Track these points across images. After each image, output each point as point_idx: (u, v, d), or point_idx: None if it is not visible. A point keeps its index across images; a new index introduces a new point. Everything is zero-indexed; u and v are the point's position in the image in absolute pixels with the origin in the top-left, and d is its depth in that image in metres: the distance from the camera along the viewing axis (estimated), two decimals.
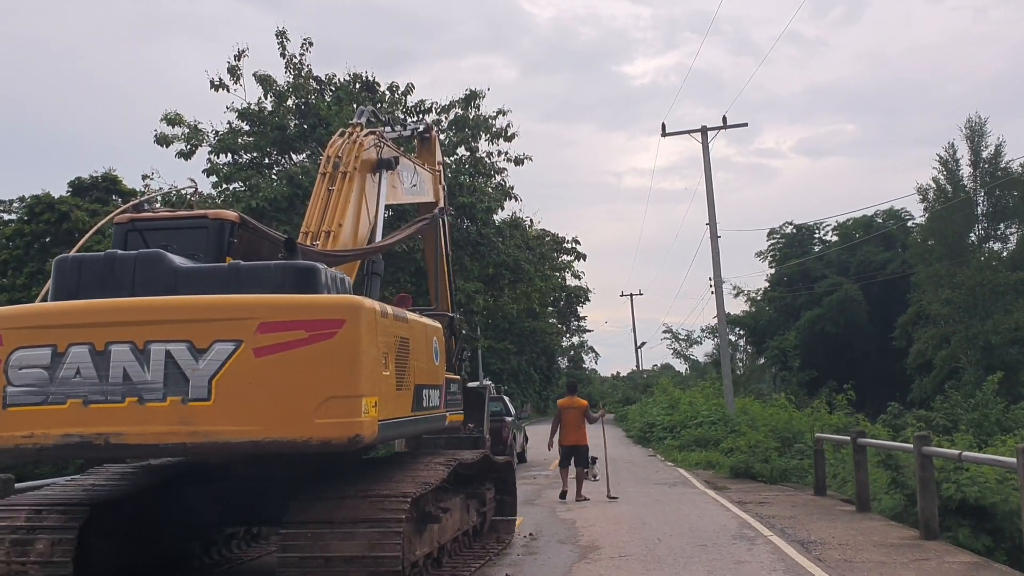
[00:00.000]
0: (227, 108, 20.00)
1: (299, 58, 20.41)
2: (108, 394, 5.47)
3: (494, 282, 22.46)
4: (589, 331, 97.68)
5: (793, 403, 23.96)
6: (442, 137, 20.94)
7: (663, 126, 26.57)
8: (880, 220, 53.95)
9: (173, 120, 19.05)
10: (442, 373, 7.85)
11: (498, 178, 22.02)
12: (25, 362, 5.57)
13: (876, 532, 9.76)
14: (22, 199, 35.91)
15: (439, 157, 12.25)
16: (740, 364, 68.12)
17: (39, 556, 5.85)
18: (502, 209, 21.90)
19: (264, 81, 19.81)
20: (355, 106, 19.20)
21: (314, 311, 5.66)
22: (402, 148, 10.45)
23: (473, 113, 21.53)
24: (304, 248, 7.03)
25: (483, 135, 21.51)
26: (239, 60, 19.83)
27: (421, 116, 21.28)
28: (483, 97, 21.62)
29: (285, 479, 6.52)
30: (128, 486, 6.94)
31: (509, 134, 21.71)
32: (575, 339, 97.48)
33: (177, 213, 7.28)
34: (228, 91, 19.84)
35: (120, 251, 6.26)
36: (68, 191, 32.75)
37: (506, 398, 22.09)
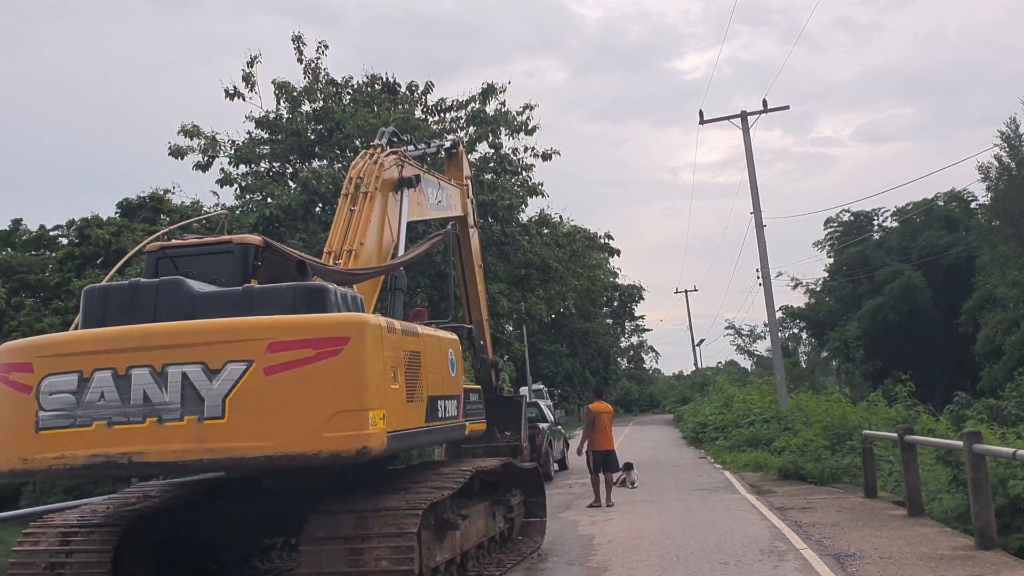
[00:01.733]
0: (245, 117, 19.96)
1: (315, 62, 20.17)
2: (130, 415, 5.77)
3: (524, 283, 22.03)
4: (648, 330, 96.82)
5: (848, 396, 23.29)
6: (461, 133, 20.80)
7: (700, 113, 26.06)
8: (942, 203, 52.21)
9: (190, 132, 18.93)
10: (460, 384, 7.98)
11: (524, 175, 21.39)
12: (55, 388, 5.92)
13: (925, 541, 9.00)
14: (71, 223, 37.42)
15: (467, 171, 12.45)
16: (803, 357, 66.88)
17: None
18: (525, 206, 21.27)
19: (282, 88, 19.64)
20: (374, 108, 19.39)
21: (320, 329, 5.86)
22: (427, 164, 10.64)
23: (494, 107, 20.97)
24: (320, 267, 7.25)
25: (503, 130, 20.94)
26: (252, 67, 19.59)
27: (441, 116, 21.05)
28: (503, 91, 21.13)
29: (311, 491, 6.74)
30: (160, 503, 7.25)
31: (530, 127, 21.07)
32: (633, 339, 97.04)
33: (204, 239, 7.63)
34: (244, 99, 19.62)
35: (143, 279, 6.62)
36: (117, 212, 33.97)
37: (542, 403, 21.75)
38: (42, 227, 41.51)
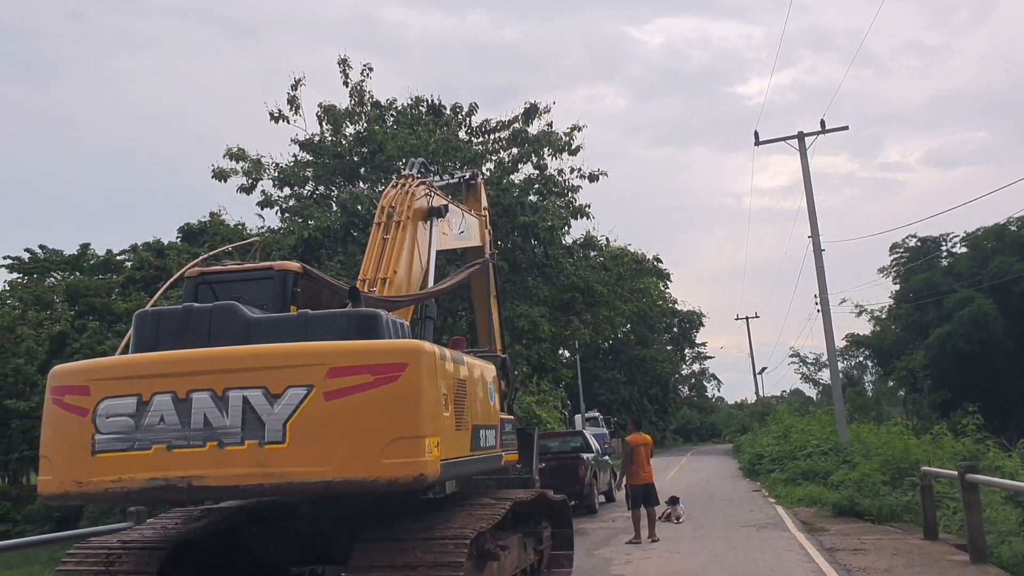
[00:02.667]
0: (291, 140, 20.16)
1: (360, 84, 20.36)
2: (190, 439, 5.83)
3: (570, 307, 21.56)
4: (710, 357, 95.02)
5: (912, 428, 22.55)
6: (503, 155, 20.90)
7: (756, 135, 25.38)
8: (1014, 227, 50.39)
9: (237, 155, 19.17)
10: (497, 414, 8.13)
11: (570, 196, 21.07)
12: (112, 411, 5.98)
13: None
14: (135, 247, 38.86)
15: (484, 203, 12.69)
16: (868, 387, 64.88)
17: None
18: (568, 228, 20.77)
19: (327, 111, 19.82)
20: (418, 129, 19.69)
21: (378, 356, 6.04)
22: (450, 196, 11.00)
23: (538, 127, 20.67)
24: (364, 295, 7.54)
25: (547, 150, 20.63)
26: (296, 90, 19.74)
27: (485, 137, 21.01)
28: (547, 111, 20.89)
29: (350, 518, 6.79)
30: (202, 527, 7.31)
31: (574, 147, 20.66)
32: (695, 367, 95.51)
33: (244, 265, 7.79)
34: (288, 123, 19.75)
35: (196, 304, 6.70)
36: (178, 237, 35.18)
37: (588, 433, 21.38)
38: (109, 251, 43.40)
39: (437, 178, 11.08)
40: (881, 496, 15.15)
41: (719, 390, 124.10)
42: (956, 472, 11.14)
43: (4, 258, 44.14)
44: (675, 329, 74.57)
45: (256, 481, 5.80)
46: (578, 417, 45.77)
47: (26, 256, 44.27)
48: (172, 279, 8.85)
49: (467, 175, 12.65)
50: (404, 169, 10.16)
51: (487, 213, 12.74)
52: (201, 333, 6.30)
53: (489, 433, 7.78)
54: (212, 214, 19.39)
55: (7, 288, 43.40)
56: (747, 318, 70.43)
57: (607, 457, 21.98)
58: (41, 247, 45.05)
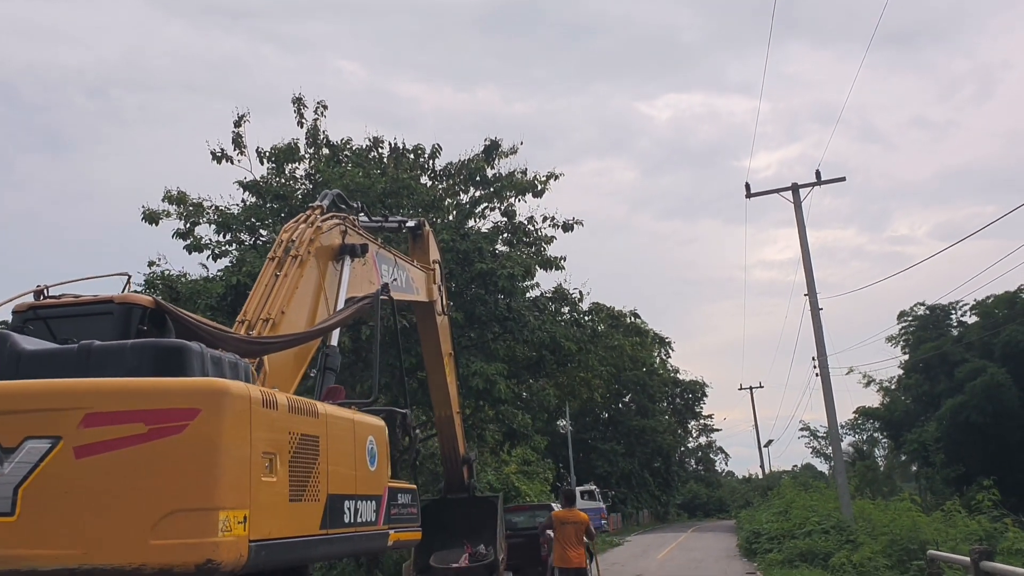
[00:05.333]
0: (235, 183, 18.77)
1: (313, 122, 19.22)
2: None
3: (537, 368, 19.80)
4: (717, 430, 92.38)
5: (920, 504, 20.50)
6: (463, 197, 19.53)
7: (747, 186, 24.04)
8: None
9: (177, 199, 17.87)
10: (383, 481, 6.48)
11: (541, 245, 19.54)
12: None
13: None
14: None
15: (435, 255, 11.63)
16: (880, 461, 62.31)
17: None
18: (531, 278, 18.95)
19: (275, 153, 18.59)
20: (378, 172, 18.38)
21: (158, 398, 4.52)
22: (380, 240, 9.66)
23: (498, 168, 19.15)
24: (221, 335, 6.04)
25: (509, 193, 19.16)
26: (240, 126, 18.41)
27: (447, 181, 19.74)
28: (513, 152, 19.51)
29: None
30: None
31: (538, 189, 19.19)
32: (702, 439, 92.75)
33: (81, 298, 6.48)
34: (232, 163, 18.40)
35: None
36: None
37: (556, 506, 19.41)
38: None
39: (365, 218, 9.82)
40: None
41: (727, 464, 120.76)
42: (968, 559, 9.34)
43: None
44: (677, 400, 72.30)
45: None
46: (578, 489, 43.56)
47: None
48: None
49: (411, 223, 11.56)
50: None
51: (437, 267, 11.66)
52: None
53: (364, 505, 6.13)
54: (150, 263, 17.60)
55: None
56: (751, 388, 68.37)
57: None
58: None
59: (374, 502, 6.22)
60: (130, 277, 7.31)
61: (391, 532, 6.47)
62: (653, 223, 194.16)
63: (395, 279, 9.73)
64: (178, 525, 4.34)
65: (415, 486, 7.41)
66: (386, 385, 15.97)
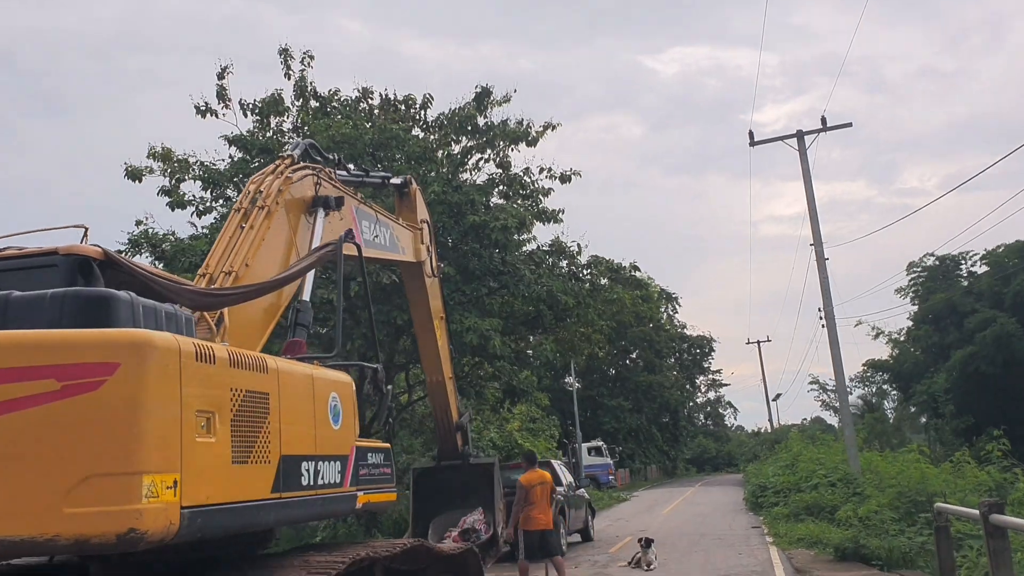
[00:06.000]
0: (223, 138, 18.11)
1: (300, 73, 18.51)
2: None
3: (536, 323, 19.21)
4: (725, 385, 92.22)
5: (928, 456, 20.07)
6: (454, 148, 18.88)
7: (751, 134, 23.65)
8: None
9: (162, 155, 17.20)
10: (349, 440, 6.02)
11: (538, 197, 18.82)
12: None
13: None
14: None
15: (422, 214, 11.08)
16: (889, 413, 62.05)
17: None
18: (527, 230, 18.24)
19: (268, 106, 17.93)
20: (368, 125, 17.76)
21: (72, 352, 4.05)
22: (360, 195, 9.07)
23: (488, 117, 18.39)
24: (173, 286, 5.54)
25: (502, 143, 18.33)
26: (223, 79, 17.71)
27: (439, 132, 19.00)
28: (507, 100, 18.67)
29: None
30: None
31: (531, 137, 18.34)
32: (710, 394, 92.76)
33: (24, 250, 5.98)
34: (217, 117, 17.75)
35: None
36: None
37: (557, 463, 18.97)
38: None
39: (344, 173, 9.24)
40: (891, 536, 12.83)
41: (736, 418, 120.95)
42: (978, 512, 8.83)
43: None
44: (685, 355, 71.99)
45: None
46: (586, 445, 43.45)
47: None
48: None
49: (397, 180, 10.99)
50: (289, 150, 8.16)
51: (426, 226, 11.12)
52: None
53: (326, 466, 5.68)
54: (138, 222, 17.04)
55: None
56: (759, 342, 67.78)
57: (583, 491, 19.36)
58: None
59: (338, 463, 5.78)
60: (87, 229, 6.78)
61: (359, 494, 6.03)
62: (661, 179, 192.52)
63: (377, 236, 9.21)
64: (95, 491, 3.89)
65: (388, 445, 6.96)
66: (379, 343, 15.54)
